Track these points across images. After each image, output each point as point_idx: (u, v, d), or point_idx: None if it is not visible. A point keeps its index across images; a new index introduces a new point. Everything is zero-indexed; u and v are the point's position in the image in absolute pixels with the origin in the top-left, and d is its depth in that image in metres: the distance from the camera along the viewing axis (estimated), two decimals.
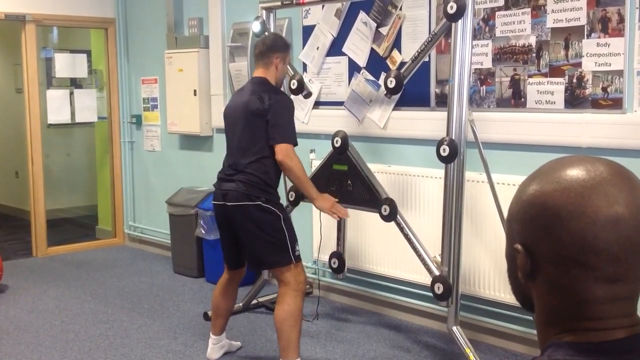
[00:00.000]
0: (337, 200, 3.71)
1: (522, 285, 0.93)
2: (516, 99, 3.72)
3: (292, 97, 4.41)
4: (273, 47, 3.56)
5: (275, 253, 3.44)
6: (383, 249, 4.29)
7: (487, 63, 3.82)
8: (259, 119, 3.41)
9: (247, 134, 3.45)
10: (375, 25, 4.31)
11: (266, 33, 4.31)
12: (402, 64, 4.03)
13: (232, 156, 3.53)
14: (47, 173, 6.48)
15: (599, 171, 0.87)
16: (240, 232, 3.47)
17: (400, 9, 4.17)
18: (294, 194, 4.09)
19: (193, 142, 5.83)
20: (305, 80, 4.38)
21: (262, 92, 3.45)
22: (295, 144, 3.47)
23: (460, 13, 3.36)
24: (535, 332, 3.24)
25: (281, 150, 3.39)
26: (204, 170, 5.67)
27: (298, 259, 3.48)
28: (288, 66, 3.80)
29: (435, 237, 3.65)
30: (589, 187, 0.85)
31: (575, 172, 0.87)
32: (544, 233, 0.87)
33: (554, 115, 3.56)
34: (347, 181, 3.84)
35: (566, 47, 3.50)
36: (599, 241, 0.84)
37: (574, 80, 3.48)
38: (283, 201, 3.73)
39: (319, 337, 4.14)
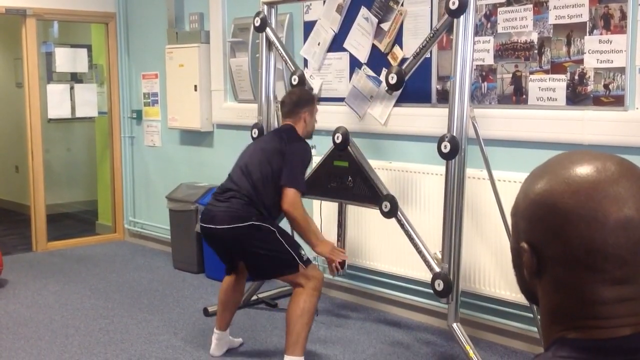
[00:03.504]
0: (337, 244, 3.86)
1: (527, 282, 0.92)
2: (517, 95, 3.71)
3: None
4: (299, 103, 3.70)
5: (280, 266, 3.45)
6: (383, 246, 4.29)
7: (489, 59, 3.81)
8: (277, 157, 3.50)
9: (261, 166, 3.51)
10: (376, 21, 4.30)
11: (268, 30, 4.30)
12: (404, 60, 4.03)
13: (233, 180, 3.57)
14: (47, 168, 6.48)
15: (610, 171, 0.85)
16: (238, 251, 3.49)
17: (402, 5, 4.16)
18: None
19: (193, 137, 5.82)
20: (307, 76, 4.37)
21: (285, 135, 3.60)
22: (303, 191, 3.53)
23: (462, 9, 3.35)
24: (535, 329, 3.22)
25: (287, 198, 3.46)
26: (204, 166, 5.67)
27: (307, 262, 3.47)
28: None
29: (435, 234, 3.64)
30: (600, 190, 0.84)
31: (585, 172, 0.85)
32: (552, 235, 0.86)
33: (556, 112, 3.55)
34: (347, 177, 3.83)
35: (568, 44, 3.49)
36: (608, 246, 0.83)
37: (576, 77, 3.48)
38: None
39: (318, 333, 4.14)
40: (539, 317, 3.52)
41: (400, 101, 4.22)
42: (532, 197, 0.89)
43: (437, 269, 3.50)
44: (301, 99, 3.73)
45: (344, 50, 4.50)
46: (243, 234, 3.40)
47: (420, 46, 3.59)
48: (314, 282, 3.43)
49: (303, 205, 3.54)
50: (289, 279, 3.50)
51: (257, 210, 3.45)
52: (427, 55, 3.79)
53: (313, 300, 3.42)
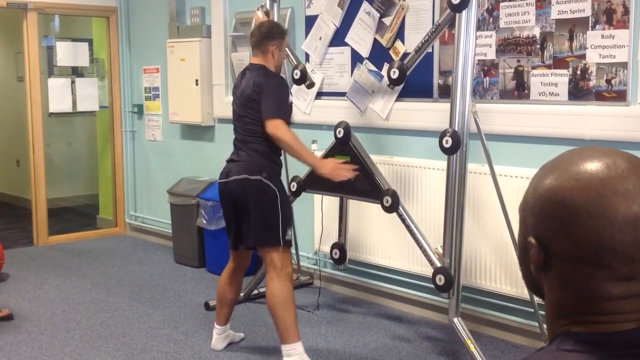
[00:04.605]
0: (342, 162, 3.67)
1: (534, 276, 0.92)
2: (520, 90, 3.70)
3: (295, 87, 4.42)
4: (269, 35, 3.60)
5: (265, 232, 3.46)
6: (385, 240, 4.29)
7: (491, 54, 3.80)
8: (256, 103, 3.47)
9: (249, 117, 3.51)
10: (378, 15, 4.29)
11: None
12: (405, 54, 4.02)
13: (237, 135, 3.61)
14: (48, 162, 6.48)
15: (620, 168, 0.85)
16: (239, 206, 3.50)
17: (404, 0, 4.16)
18: (295, 185, 4.09)
19: (194, 132, 5.82)
20: (308, 70, 4.37)
21: (258, 77, 3.51)
22: (285, 120, 3.47)
23: (464, 4, 3.34)
24: (536, 324, 3.22)
25: (270, 125, 3.41)
26: (206, 160, 5.67)
27: (287, 243, 3.50)
28: (289, 53, 3.84)
29: (437, 229, 3.64)
30: (609, 187, 0.84)
31: (595, 168, 0.85)
32: (559, 231, 0.86)
33: (558, 107, 3.55)
34: None
35: (570, 39, 3.48)
36: (615, 242, 0.83)
37: (578, 72, 3.47)
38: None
39: (319, 327, 4.14)
40: (540, 312, 3.51)
41: (401, 96, 4.21)
42: (541, 192, 0.89)
43: (438, 264, 3.50)
44: (271, 31, 3.62)
45: (346, 44, 4.49)
46: (250, 186, 3.43)
47: (422, 41, 3.59)
48: (286, 268, 3.46)
49: (288, 129, 3.46)
50: (265, 256, 3.50)
51: (271, 163, 3.49)
52: (429, 50, 3.79)
53: (287, 285, 3.44)
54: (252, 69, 3.61)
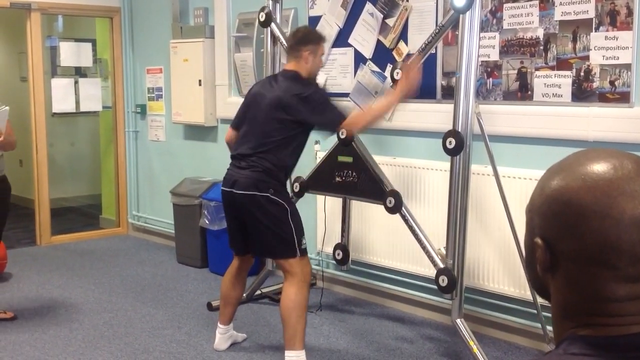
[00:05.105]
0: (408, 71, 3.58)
1: (540, 277, 0.92)
2: (523, 91, 3.70)
3: None
4: (303, 41, 3.57)
5: (281, 245, 3.46)
6: (387, 241, 4.29)
7: (494, 55, 3.80)
8: (287, 115, 3.42)
9: (270, 126, 3.45)
10: (381, 16, 4.29)
11: (273, 25, 4.30)
12: (409, 55, 4.02)
13: (248, 142, 3.52)
14: (51, 162, 6.48)
15: (627, 169, 0.85)
16: (247, 220, 3.49)
17: (407, 1, 4.15)
18: (298, 185, 4.09)
19: (197, 132, 5.82)
20: None
21: (295, 89, 3.45)
22: (345, 116, 3.45)
23: (468, 5, 3.34)
24: (539, 325, 3.21)
25: (346, 128, 3.49)
26: (208, 161, 5.67)
27: (304, 252, 3.50)
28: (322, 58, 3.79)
29: (440, 230, 3.64)
30: (616, 187, 0.84)
31: (602, 168, 0.86)
32: (566, 231, 0.86)
33: (561, 109, 3.55)
34: (352, 173, 3.83)
35: (574, 40, 3.48)
36: (621, 242, 0.83)
37: (582, 74, 3.47)
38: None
39: (322, 328, 4.14)
40: (543, 313, 3.50)
41: None
42: (548, 192, 0.89)
43: (441, 265, 3.50)
44: (306, 36, 3.60)
45: (349, 45, 4.49)
46: (259, 202, 3.42)
47: (426, 42, 3.59)
48: (304, 275, 3.46)
49: (356, 117, 3.49)
50: (283, 265, 3.50)
51: (276, 181, 3.46)
52: (432, 51, 3.79)
53: (304, 292, 3.44)
54: (286, 75, 3.57)
